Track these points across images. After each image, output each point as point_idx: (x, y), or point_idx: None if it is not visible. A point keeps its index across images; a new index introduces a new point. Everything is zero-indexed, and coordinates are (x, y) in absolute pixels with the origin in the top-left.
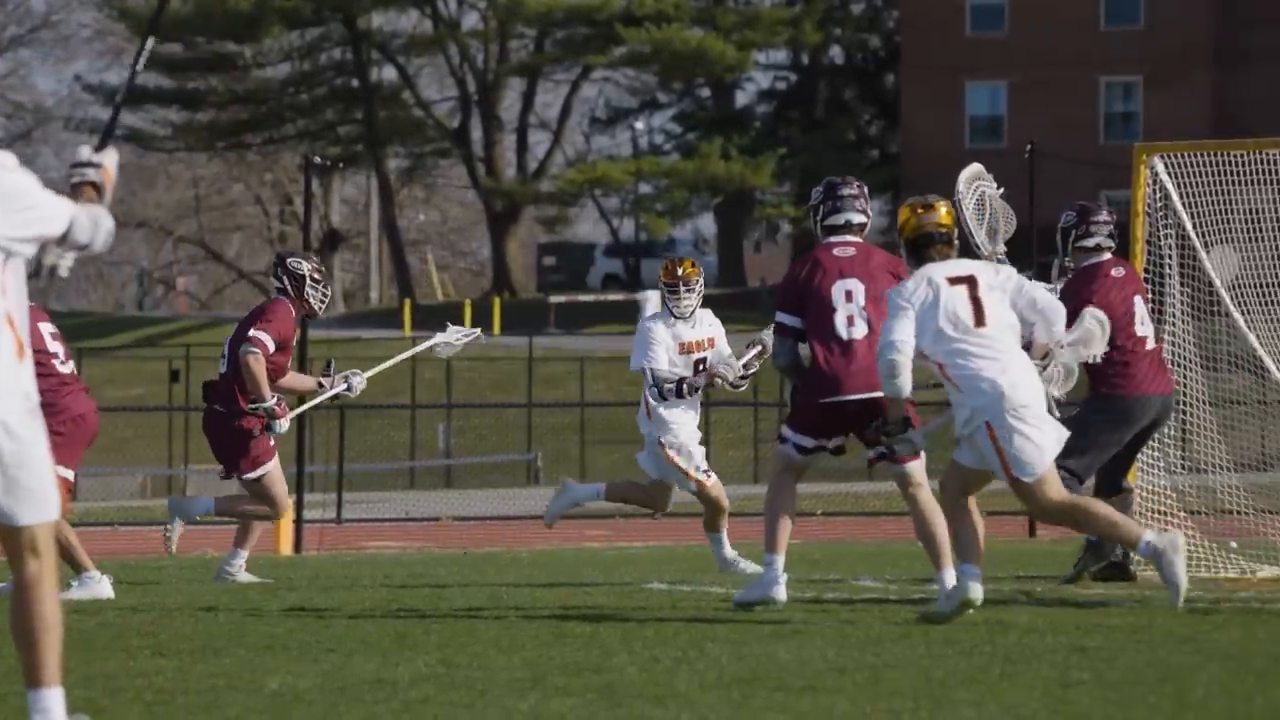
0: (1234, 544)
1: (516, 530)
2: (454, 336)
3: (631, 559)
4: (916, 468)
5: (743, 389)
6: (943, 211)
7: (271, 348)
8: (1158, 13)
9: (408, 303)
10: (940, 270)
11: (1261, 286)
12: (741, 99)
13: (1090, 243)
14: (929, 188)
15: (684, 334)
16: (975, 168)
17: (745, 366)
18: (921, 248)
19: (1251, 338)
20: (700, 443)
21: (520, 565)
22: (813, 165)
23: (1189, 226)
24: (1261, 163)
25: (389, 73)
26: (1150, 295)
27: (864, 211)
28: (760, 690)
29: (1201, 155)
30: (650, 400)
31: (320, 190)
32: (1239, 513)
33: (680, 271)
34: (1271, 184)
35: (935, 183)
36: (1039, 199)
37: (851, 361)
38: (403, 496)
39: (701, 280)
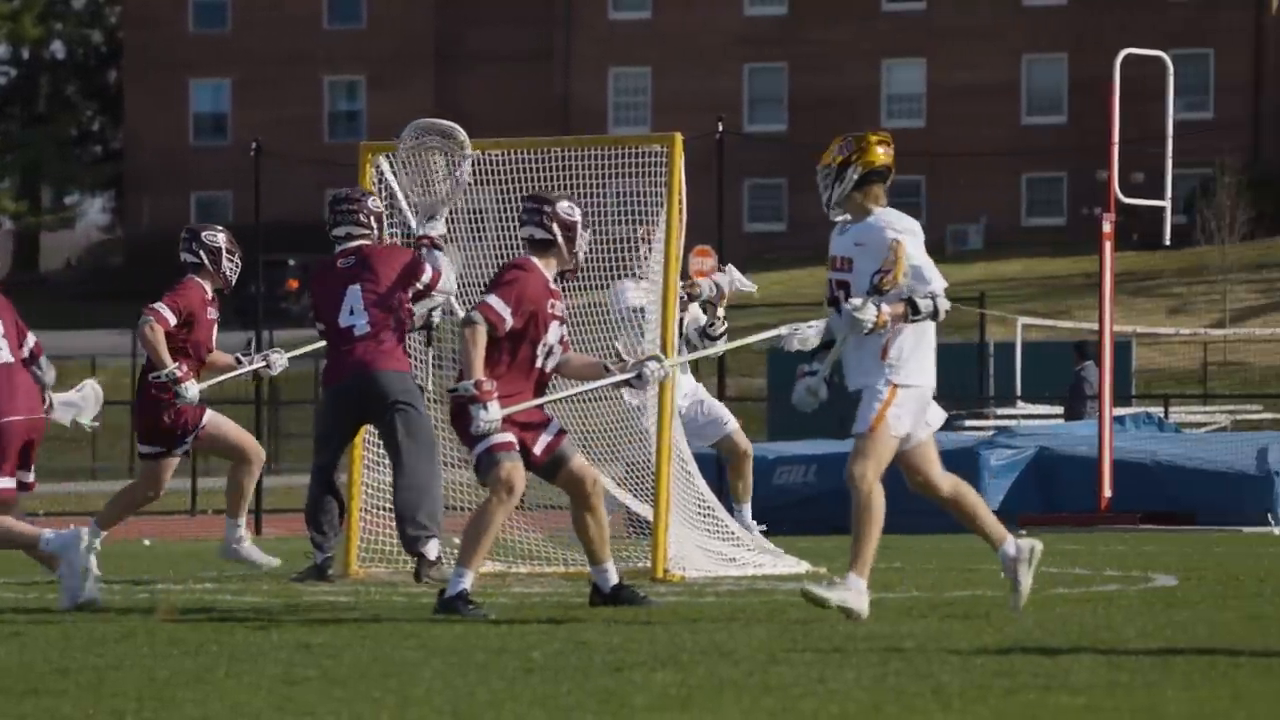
0: (456, 540)
1: None
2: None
3: None
4: None
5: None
6: None
7: (171, 319)
8: (379, 13)
9: None
10: None
11: (486, 285)
12: None
13: (339, 231)
14: (153, 184)
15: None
16: (432, 123)
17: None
18: None
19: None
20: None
21: None
22: (34, 161)
23: (414, 224)
24: (482, 162)
25: None
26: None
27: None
28: None
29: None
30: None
31: None
32: (463, 510)
33: (639, 232)
34: (492, 183)
35: (159, 179)
36: (264, 197)
37: None
38: None
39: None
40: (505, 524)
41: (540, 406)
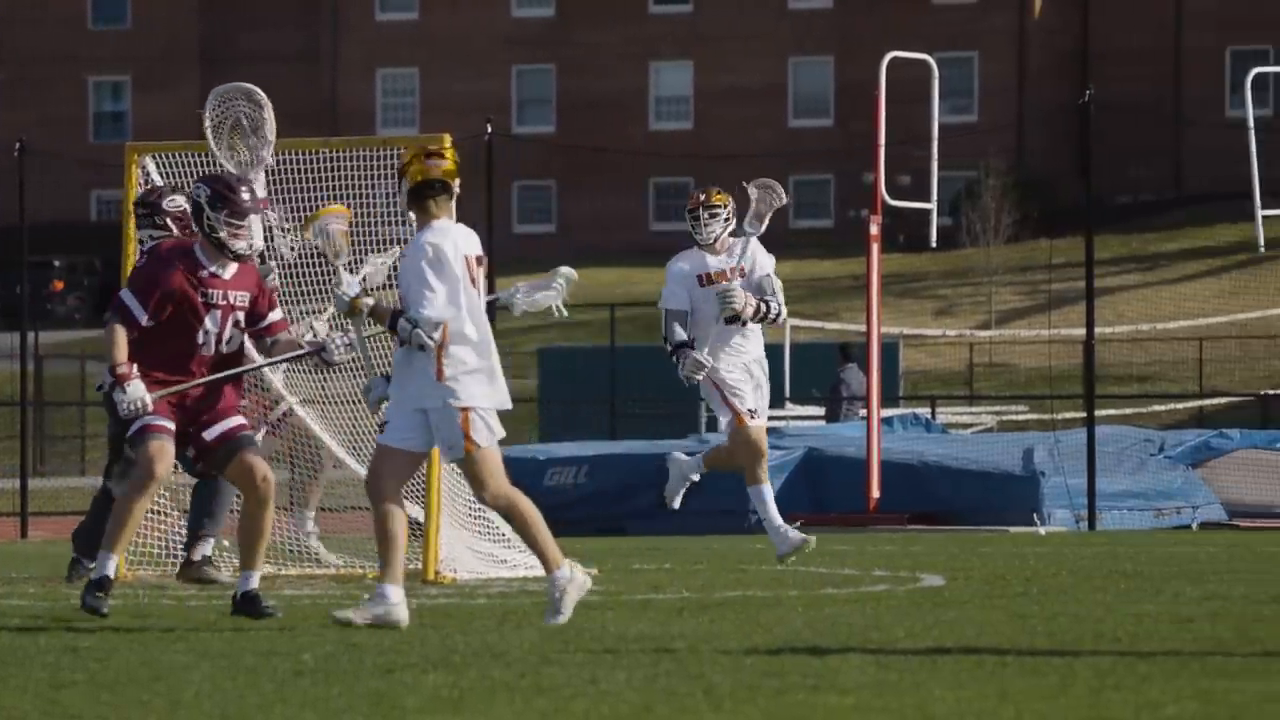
0: (226, 541)
1: None
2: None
3: None
4: None
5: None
6: None
7: None
8: (144, 14)
9: None
10: None
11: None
12: None
13: (141, 235)
14: None
15: (709, 264)
16: (233, 86)
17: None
18: None
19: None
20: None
21: None
22: None
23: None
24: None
25: None
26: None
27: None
28: None
29: (192, 154)
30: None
31: None
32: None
33: (702, 197)
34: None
35: None
36: (29, 198)
37: None
38: None
39: (730, 207)
40: (274, 526)
41: (235, 399)
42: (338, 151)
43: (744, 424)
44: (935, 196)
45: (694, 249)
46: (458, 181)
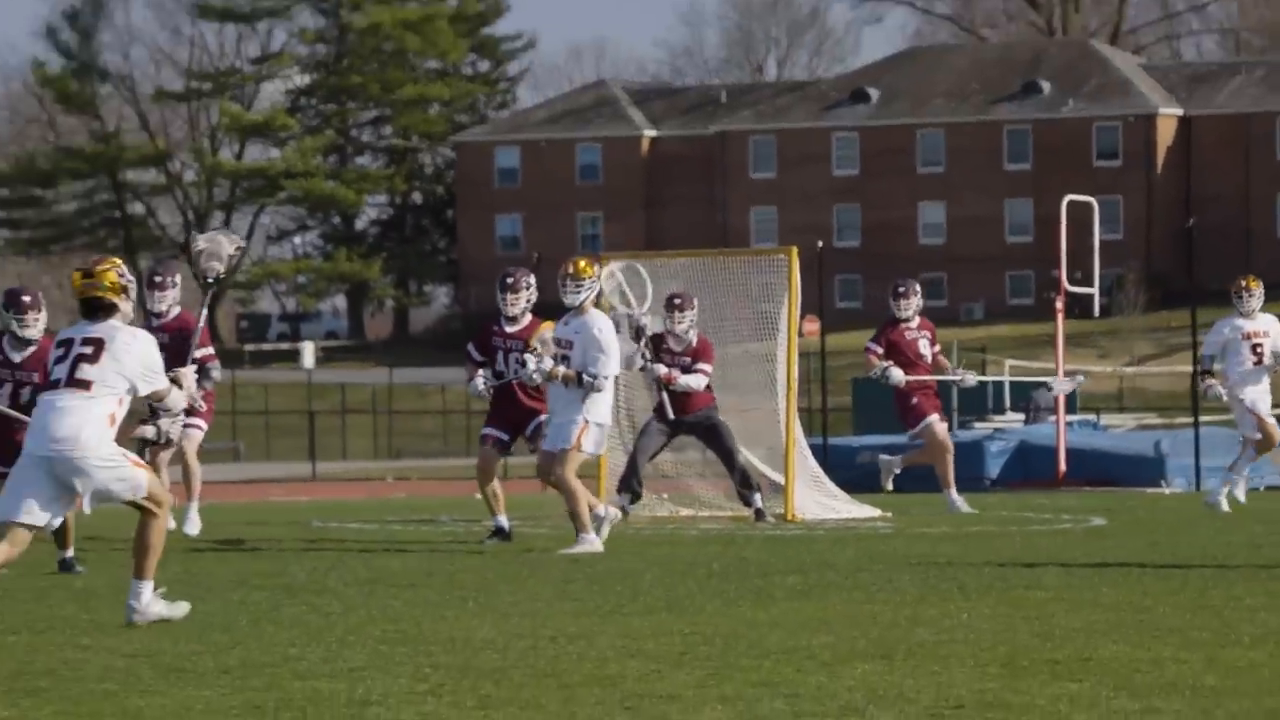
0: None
1: None
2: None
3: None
4: None
5: None
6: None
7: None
8: (610, 172)
9: None
10: None
11: None
12: (359, 224)
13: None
14: (477, 279)
15: (1245, 326)
16: (616, 266)
17: None
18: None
19: None
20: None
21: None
22: (406, 267)
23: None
24: (676, 269)
25: (138, 207)
26: None
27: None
28: None
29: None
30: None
31: None
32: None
33: (1243, 282)
34: (681, 280)
35: (480, 275)
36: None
37: None
38: None
39: (1260, 290)
40: (698, 482)
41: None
42: (727, 259)
43: (1270, 430)
44: (1097, 285)
45: (1236, 315)
46: None
